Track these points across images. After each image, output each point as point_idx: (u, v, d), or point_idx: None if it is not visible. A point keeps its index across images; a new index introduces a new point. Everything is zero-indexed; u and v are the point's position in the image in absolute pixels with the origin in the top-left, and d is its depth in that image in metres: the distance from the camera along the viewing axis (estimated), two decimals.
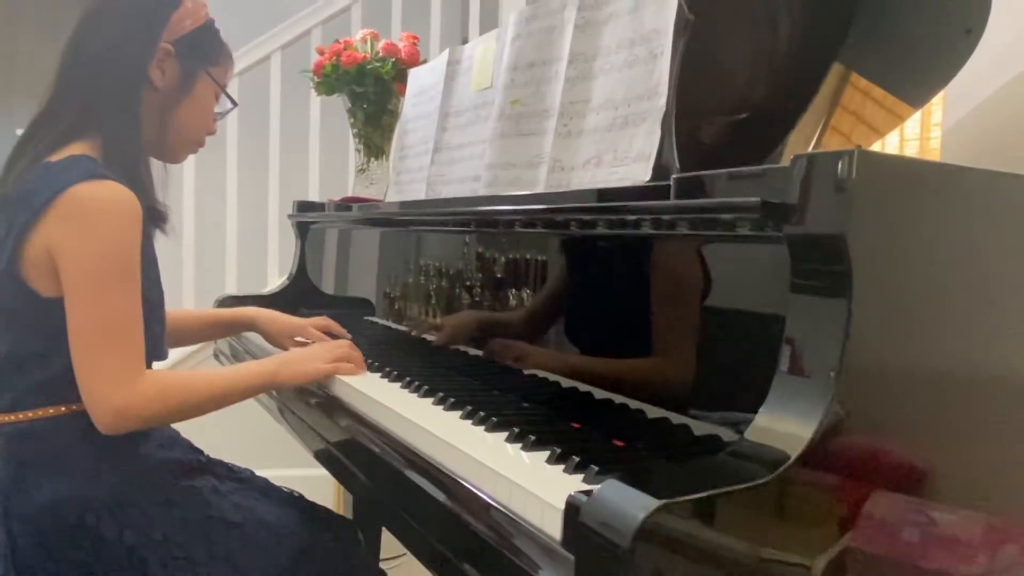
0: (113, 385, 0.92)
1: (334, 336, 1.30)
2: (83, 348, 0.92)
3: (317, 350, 1.14)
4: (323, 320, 1.36)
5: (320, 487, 1.63)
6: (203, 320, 1.36)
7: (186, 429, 1.10)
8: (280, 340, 1.32)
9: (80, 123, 1.01)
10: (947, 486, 0.64)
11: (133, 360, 0.94)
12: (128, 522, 0.95)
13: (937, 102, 1.67)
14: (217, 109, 1.16)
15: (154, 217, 1.05)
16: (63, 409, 0.95)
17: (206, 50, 1.10)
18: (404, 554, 1.79)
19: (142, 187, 1.01)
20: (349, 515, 1.79)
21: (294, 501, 1.15)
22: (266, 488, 1.14)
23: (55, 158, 0.99)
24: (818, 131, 1.30)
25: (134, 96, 1.03)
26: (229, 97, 1.16)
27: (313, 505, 1.17)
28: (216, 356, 1.68)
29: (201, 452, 1.12)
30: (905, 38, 1.27)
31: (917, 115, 1.58)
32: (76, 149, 1.00)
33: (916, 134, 1.81)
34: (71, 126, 1.01)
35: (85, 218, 0.93)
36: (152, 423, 0.99)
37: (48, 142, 1.00)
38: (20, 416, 0.96)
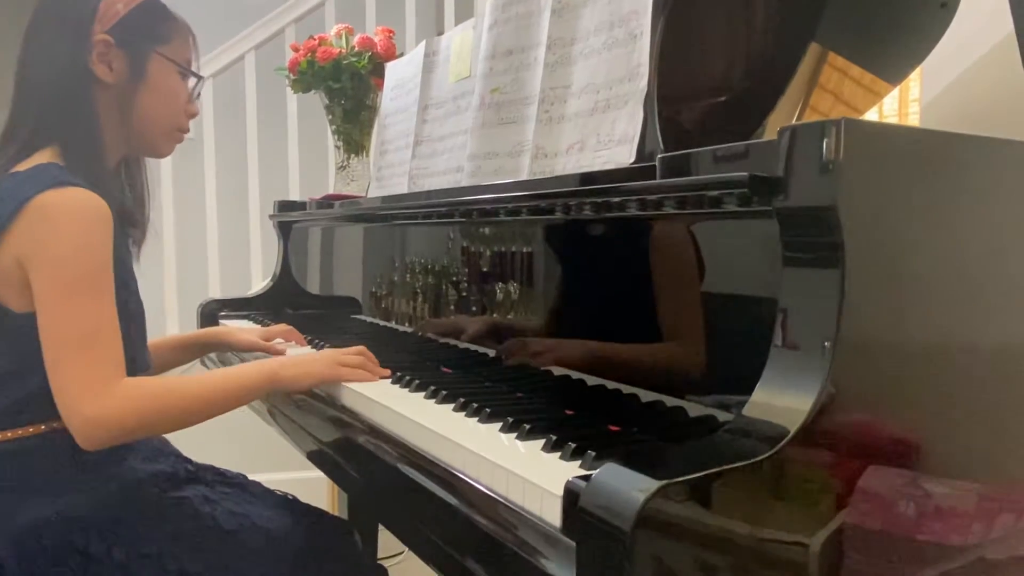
0: (85, 394, 0.88)
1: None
2: (54, 356, 0.89)
3: (331, 353, 1.06)
4: (283, 327, 1.34)
5: (313, 489, 1.62)
6: (168, 346, 1.29)
7: (174, 436, 1.07)
8: (251, 346, 1.29)
9: (40, 132, 0.99)
10: (944, 456, 0.64)
11: (107, 367, 0.90)
12: (117, 539, 0.93)
13: (914, 78, 1.67)
14: (190, 88, 1.10)
15: (125, 220, 1.02)
16: (43, 428, 0.93)
17: (149, 30, 1.03)
18: (403, 551, 1.79)
19: (108, 191, 0.98)
20: (343, 515, 1.78)
21: (288, 504, 1.13)
22: (260, 492, 1.12)
23: (22, 167, 0.96)
24: (797, 111, 1.30)
25: (82, 97, 0.99)
26: (191, 72, 1.09)
27: (308, 507, 1.16)
28: (202, 361, 1.66)
29: (190, 461, 1.09)
30: (880, 15, 1.27)
31: (895, 91, 1.59)
32: (43, 157, 0.97)
33: (895, 110, 1.82)
34: (33, 135, 0.99)
35: (52, 225, 0.90)
36: (135, 434, 0.94)
37: (14, 152, 0.98)
38: None
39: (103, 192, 0.95)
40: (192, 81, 1.10)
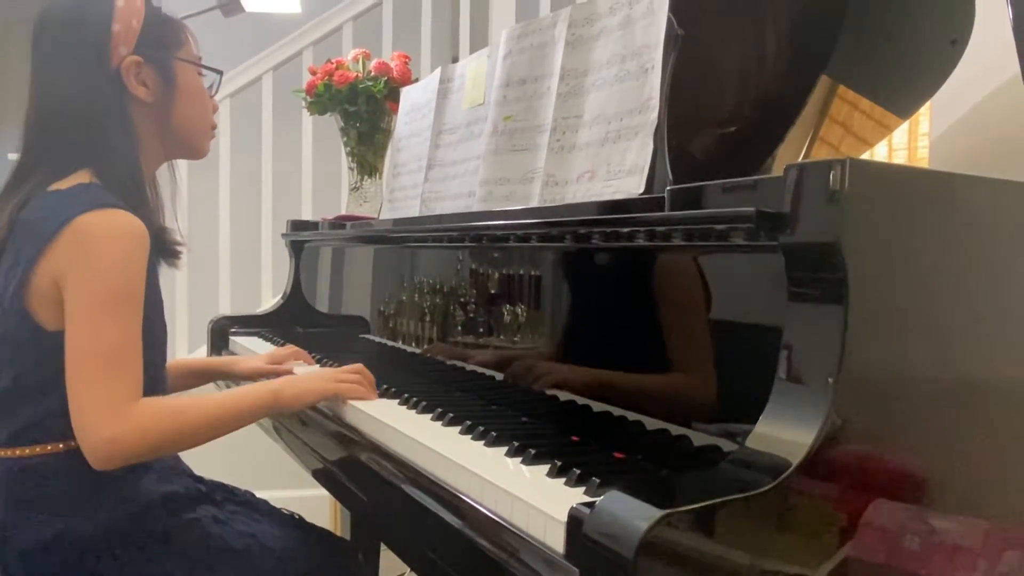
0: (104, 414, 0.88)
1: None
2: (77, 373, 0.90)
3: (324, 371, 1.08)
4: (290, 349, 1.35)
5: (315, 507, 1.62)
6: (176, 370, 1.28)
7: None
8: (256, 373, 1.30)
9: (73, 157, 0.99)
10: (950, 492, 0.64)
11: (127, 389, 0.90)
12: (127, 560, 0.93)
13: (924, 112, 1.69)
14: (207, 84, 1.11)
15: (162, 243, 1.03)
16: (61, 446, 0.93)
17: (165, 38, 1.04)
18: (404, 572, 1.78)
19: (146, 213, 0.99)
20: (346, 534, 1.78)
21: (295, 523, 1.14)
22: (267, 511, 1.13)
23: (63, 186, 0.97)
24: (807, 143, 1.31)
25: (121, 121, 1.00)
26: (211, 68, 1.11)
27: (313, 527, 1.16)
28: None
29: (201, 480, 1.10)
30: (891, 50, 1.29)
31: (905, 125, 1.60)
32: (82, 177, 0.98)
33: (904, 144, 1.83)
34: (65, 159, 0.99)
35: (91, 245, 0.91)
36: (146, 456, 0.95)
37: (46, 173, 0.99)
38: (18, 452, 0.94)
39: (141, 215, 0.96)
40: (209, 76, 1.11)
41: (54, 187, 0.97)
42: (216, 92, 1.14)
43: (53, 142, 1.00)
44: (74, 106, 0.99)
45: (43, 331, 0.93)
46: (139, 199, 1.00)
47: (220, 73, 1.14)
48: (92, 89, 0.99)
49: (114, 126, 1.00)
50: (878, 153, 1.69)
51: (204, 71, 1.10)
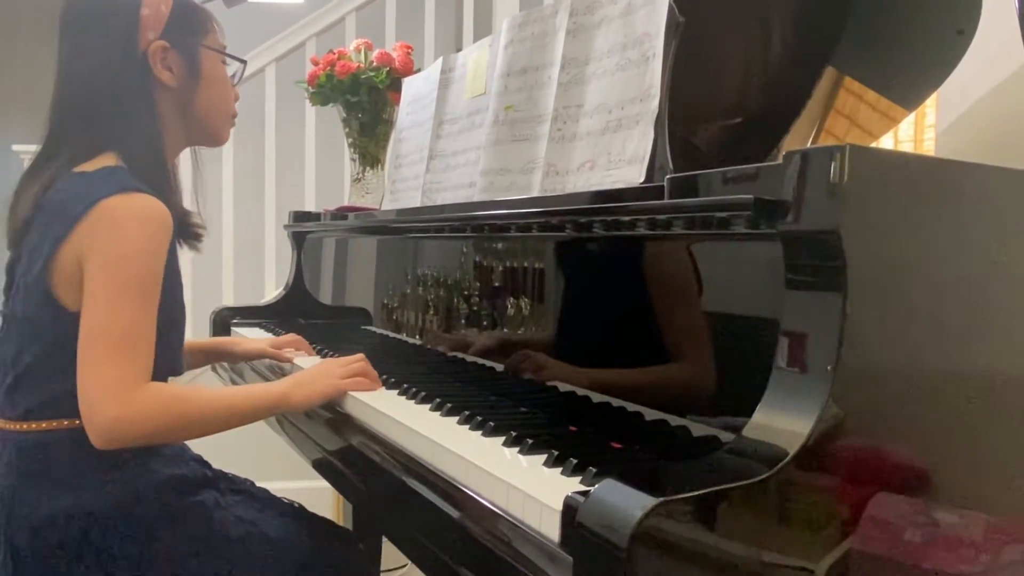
0: (113, 393, 0.89)
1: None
2: (89, 353, 0.90)
3: (330, 366, 1.07)
4: (292, 336, 1.35)
5: (319, 499, 1.62)
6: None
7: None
8: (259, 354, 1.30)
9: (98, 140, 1.00)
10: (947, 483, 0.64)
11: (137, 371, 0.91)
12: (132, 536, 0.94)
13: (930, 104, 1.67)
14: (230, 73, 1.12)
15: (185, 226, 1.04)
16: (76, 422, 0.93)
17: (192, 26, 1.06)
18: (406, 564, 1.79)
19: (169, 197, 1.00)
20: (349, 526, 1.78)
21: (295, 513, 1.14)
22: (268, 500, 1.13)
23: (89, 168, 0.98)
24: (812, 135, 1.30)
25: (145, 105, 1.02)
26: (235, 58, 1.12)
27: (314, 517, 1.17)
28: (214, 368, 1.68)
29: (208, 466, 1.10)
30: (897, 41, 1.28)
31: (911, 117, 1.59)
32: (107, 160, 0.99)
33: (910, 136, 1.82)
34: (90, 142, 1.00)
35: (116, 228, 0.92)
36: (150, 439, 0.95)
37: (69, 156, 0.99)
38: (32, 426, 0.95)
39: (166, 199, 0.97)
40: (232, 65, 1.12)
41: (79, 169, 0.98)
42: (239, 81, 1.14)
43: (79, 124, 1.01)
44: (101, 88, 1.00)
45: (65, 311, 0.94)
46: (163, 183, 1.01)
47: (244, 63, 1.15)
48: (119, 72, 1.00)
49: (140, 109, 1.02)
50: (884, 145, 1.67)
51: (227, 60, 1.11)
